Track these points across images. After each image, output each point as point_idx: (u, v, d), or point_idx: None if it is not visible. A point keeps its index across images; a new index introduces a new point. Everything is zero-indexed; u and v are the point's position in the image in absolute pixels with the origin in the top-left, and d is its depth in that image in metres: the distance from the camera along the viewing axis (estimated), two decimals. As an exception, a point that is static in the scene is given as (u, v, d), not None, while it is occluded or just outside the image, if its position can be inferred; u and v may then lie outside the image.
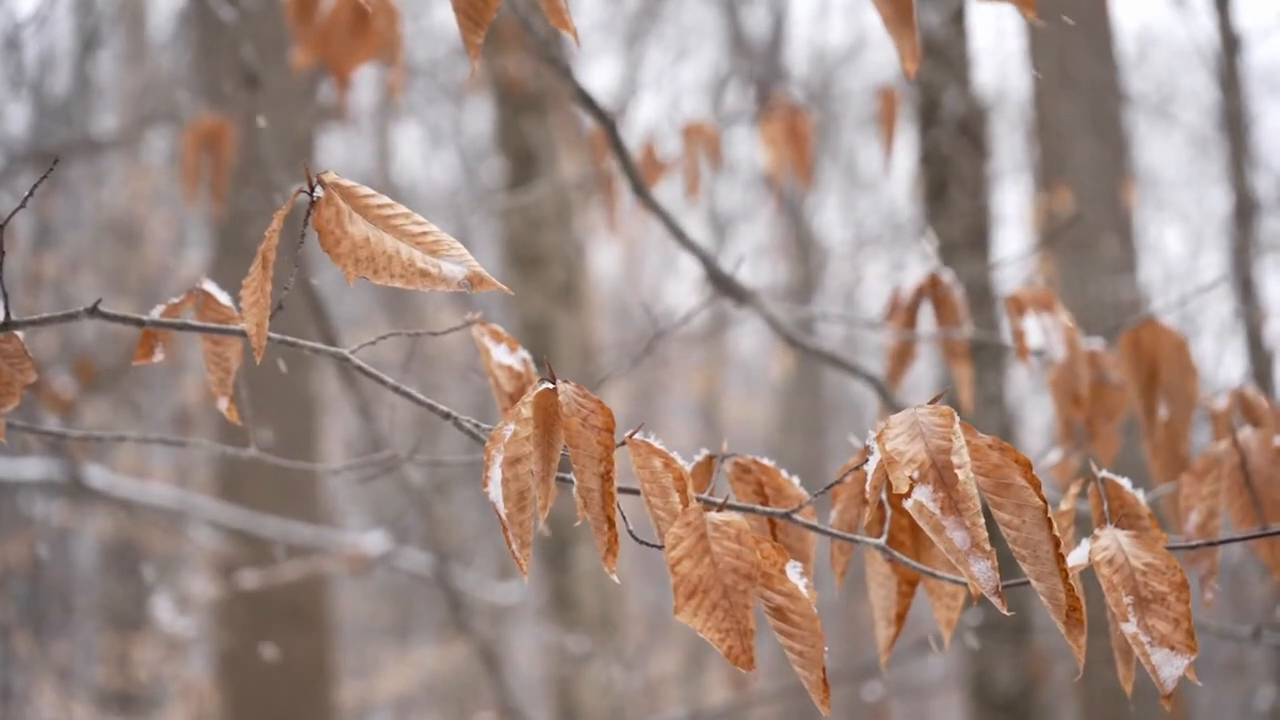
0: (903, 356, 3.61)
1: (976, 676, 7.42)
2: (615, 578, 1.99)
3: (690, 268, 16.03)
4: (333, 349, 2.18)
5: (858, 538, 2.28)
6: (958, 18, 7.73)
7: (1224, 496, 2.80)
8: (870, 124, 16.16)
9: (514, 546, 1.97)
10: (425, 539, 7.03)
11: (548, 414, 2.03)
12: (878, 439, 2.08)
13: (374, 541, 7.31)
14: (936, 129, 7.69)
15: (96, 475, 6.67)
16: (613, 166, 5.02)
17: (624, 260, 17.93)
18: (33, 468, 6.82)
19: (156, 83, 15.19)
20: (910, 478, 2.04)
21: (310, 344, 2.20)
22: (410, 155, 19.28)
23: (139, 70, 15.62)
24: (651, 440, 2.13)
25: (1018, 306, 3.44)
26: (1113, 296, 9.43)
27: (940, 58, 7.69)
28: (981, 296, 7.11)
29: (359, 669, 15.68)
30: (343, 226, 2.06)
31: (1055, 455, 3.57)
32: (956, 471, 2.04)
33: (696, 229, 16.12)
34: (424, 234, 2.08)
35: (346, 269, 2.05)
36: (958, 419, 2.10)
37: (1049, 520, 2.09)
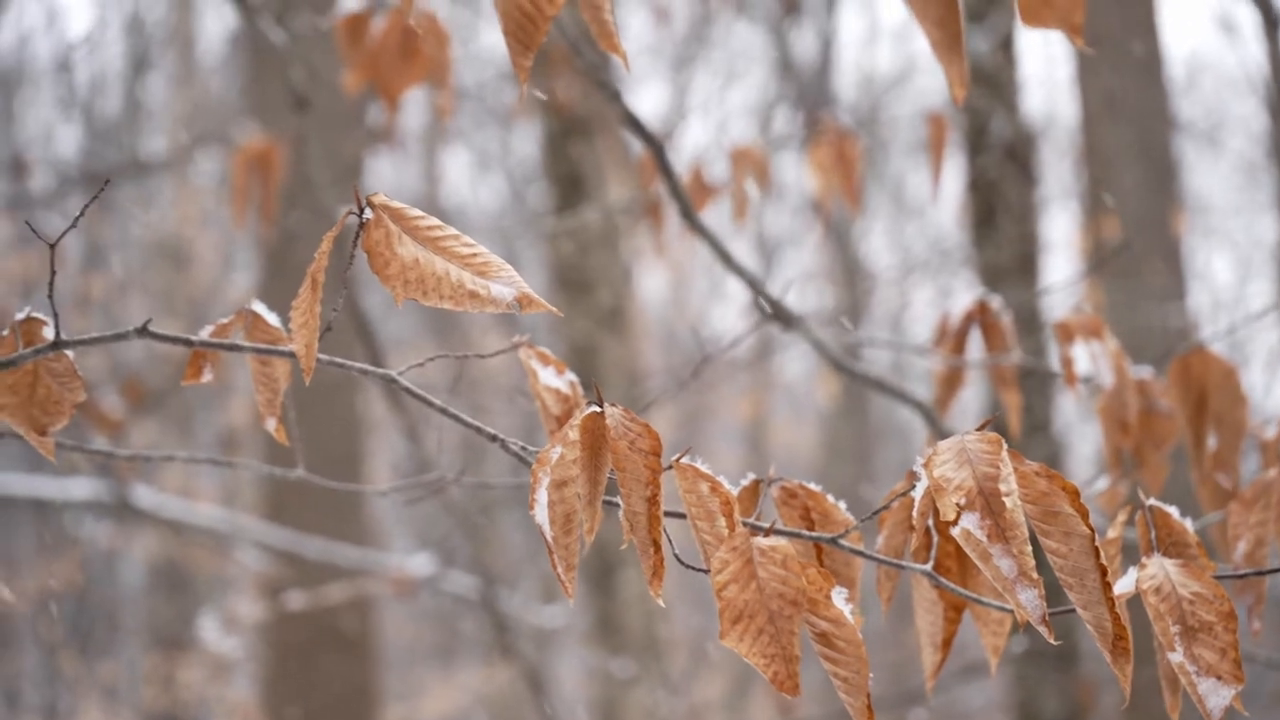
0: (951, 382, 3.60)
1: (1022, 704, 7.39)
2: (661, 601, 1.98)
3: (737, 292, 16.04)
4: (380, 370, 2.18)
5: (904, 563, 2.28)
6: (1006, 44, 7.73)
7: (1273, 526, 2.78)
8: (918, 150, 16.14)
9: (559, 570, 1.97)
10: (471, 562, 7.03)
11: (595, 437, 2.03)
12: (925, 465, 2.08)
13: (420, 564, 7.31)
14: (984, 155, 7.68)
15: (144, 496, 6.70)
16: (660, 190, 5.02)
17: (671, 285, 17.93)
18: (81, 488, 6.85)
19: (206, 105, 15.28)
20: (958, 505, 2.03)
21: (358, 365, 2.20)
22: (459, 179, 19.32)
23: (188, 93, 15.71)
24: (698, 464, 2.13)
25: (1066, 333, 3.43)
26: (1161, 324, 9.38)
27: (988, 84, 7.70)
28: (1029, 323, 7.09)
29: (404, 692, 15.68)
30: (392, 248, 2.06)
31: (1103, 483, 3.55)
32: (1004, 499, 2.03)
33: (744, 254, 16.12)
34: (473, 255, 2.09)
35: (396, 290, 2.06)
36: (1005, 446, 2.09)
37: (1096, 549, 2.08)
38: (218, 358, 2.26)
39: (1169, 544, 2.35)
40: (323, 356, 2.17)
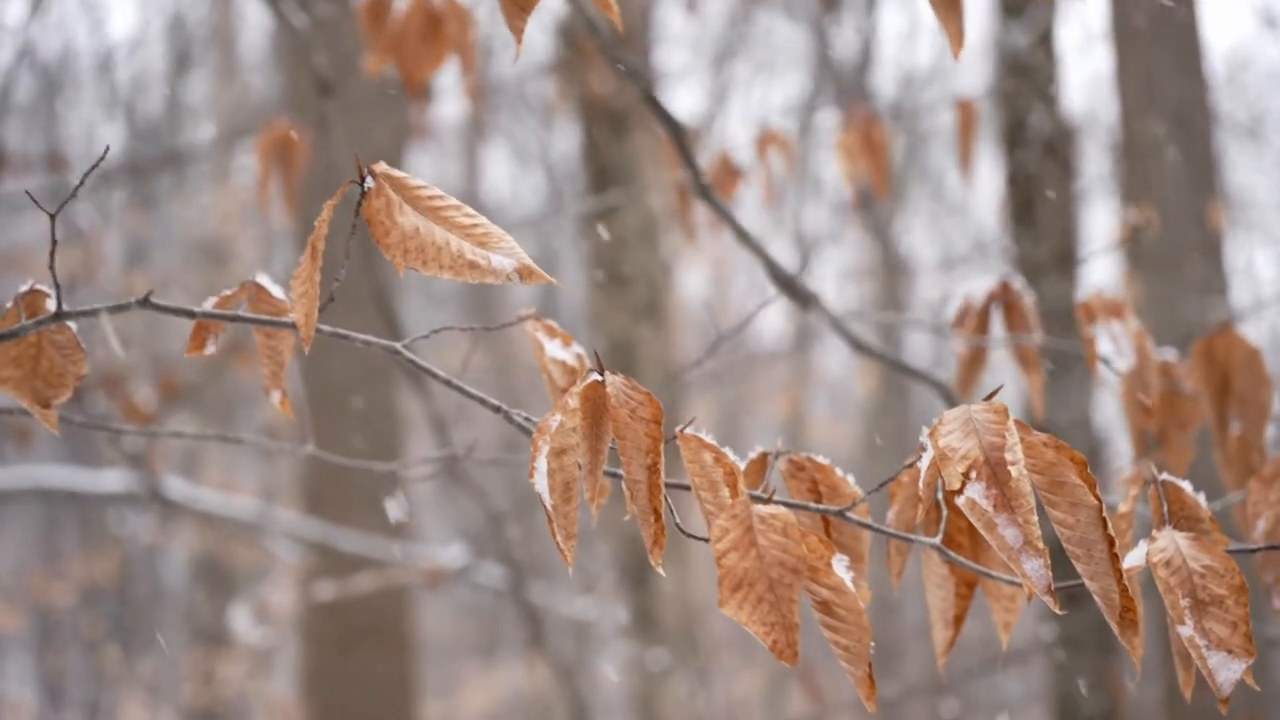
0: (973, 364, 3.57)
1: (1061, 698, 7.35)
2: (660, 570, 1.97)
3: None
4: (383, 341, 2.17)
5: (912, 536, 2.26)
6: (1045, 39, 7.71)
7: (1295, 505, 2.75)
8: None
9: (559, 538, 1.96)
10: (501, 553, 7.03)
11: (596, 406, 2.02)
12: (930, 435, 2.06)
13: (453, 556, 7.31)
14: (1023, 150, 7.68)
15: (176, 487, 6.71)
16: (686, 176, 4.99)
17: (712, 282, 17.92)
18: (113, 480, 6.87)
19: (247, 103, 15.32)
20: (963, 474, 2.01)
21: (361, 336, 2.19)
22: (498, 176, 19.33)
23: (230, 90, 15.76)
24: (703, 435, 2.11)
25: (1088, 314, 3.40)
26: (1200, 318, 9.32)
27: (1027, 78, 7.68)
28: (1067, 318, 7.05)
29: (445, 688, 15.70)
30: (392, 217, 2.06)
31: (1128, 467, 3.52)
32: (1010, 468, 2.01)
33: (782, 251, 16.08)
34: (474, 226, 2.08)
35: (396, 259, 2.05)
36: (1012, 416, 2.07)
37: (1103, 519, 2.06)
38: (221, 328, 2.25)
39: (1182, 519, 2.32)
40: (324, 327, 2.17)
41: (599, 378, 2.01)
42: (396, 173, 2.09)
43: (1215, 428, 3.32)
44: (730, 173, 4.94)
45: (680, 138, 3.42)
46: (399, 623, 10.48)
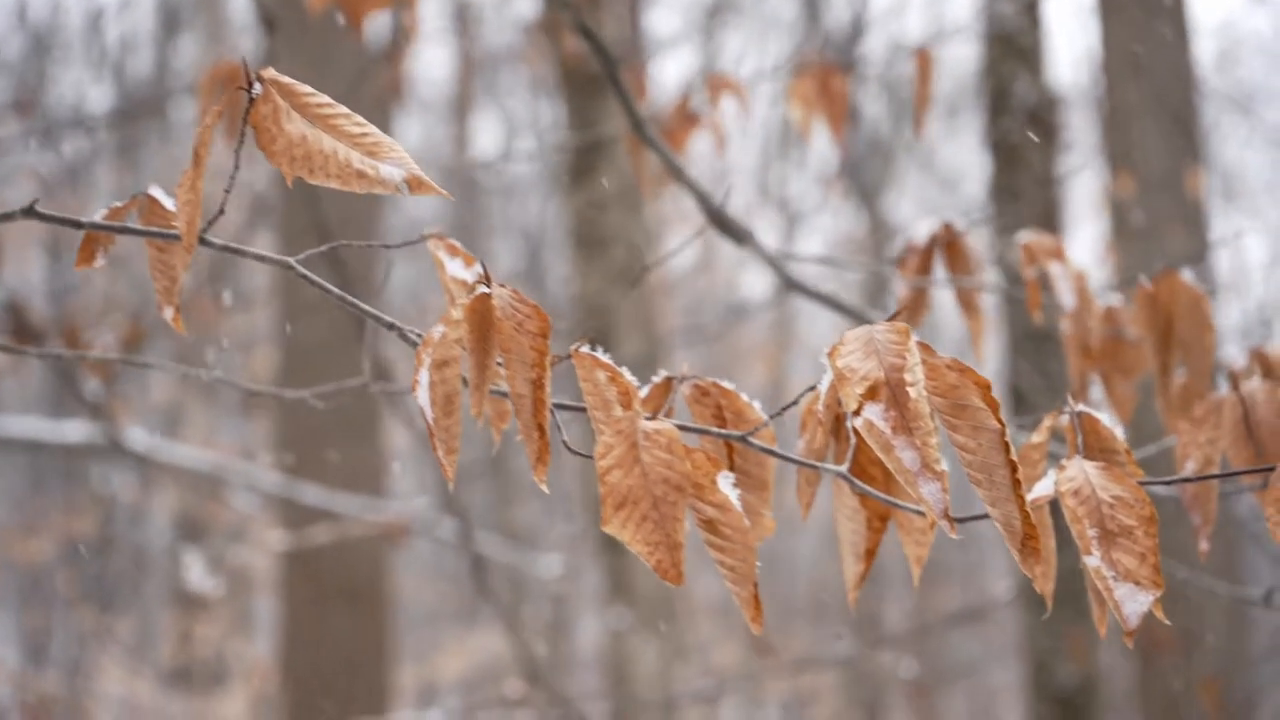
0: (915, 306, 3.51)
1: (1035, 670, 7.32)
2: (544, 488, 1.91)
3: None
4: (276, 256, 2.12)
5: (817, 464, 2.20)
6: (1031, 7, 7.68)
7: (1228, 449, 2.70)
8: (948, 116, 16.03)
9: (440, 453, 1.90)
10: (455, 507, 6.97)
11: (483, 319, 1.96)
12: (830, 355, 2.00)
13: (416, 510, 7.25)
14: (1007, 118, 7.66)
15: (136, 438, 6.65)
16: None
17: (699, 250, 17.85)
18: (75, 431, 6.81)
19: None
20: (860, 396, 1.95)
21: (253, 250, 2.13)
22: (488, 144, 19.26)
23: (218, 52, 15.68)
24: (599, 355, 2.06)
25: (1029, 256, 3.34)
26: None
27: (1012, 47, 7.66)
28: (1050, 285, 6.99)
29: (421, 653, 15.66)
30: (280, 124, 2.00)
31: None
32: (909, 389, 1.95)
33: (768, 228, 16.05)
34: (364, 135, 2.02)
35: (283, 168, 2.00)
36: (914, 336, 2.02)
37: (1006, 444, 2.00)
38: (111, 240, 2.19)
39: (1097, 450, 2.26)
40: (215, 240, 2.11)
41: (486, 290, 1.96)
42: (286, 79, 2.04)
43: (1158, 373, 3.27)
44: (686, 119, 4.86)
45: (614, 75, 3.36)
46: (375, 584, 10.44)
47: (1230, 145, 15.66)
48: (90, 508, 14.19)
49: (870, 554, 2.33)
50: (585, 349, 2.04)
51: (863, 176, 13.61)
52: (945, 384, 2.02)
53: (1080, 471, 2.10)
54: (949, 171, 17.56)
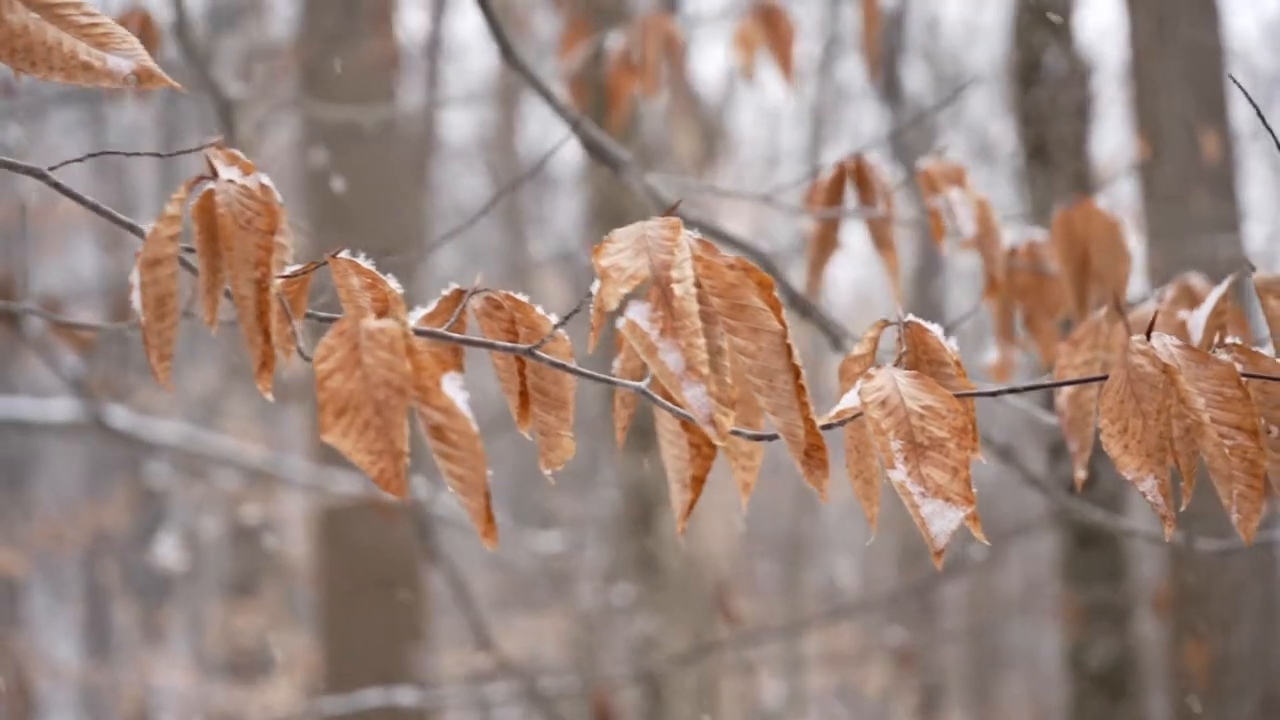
0: (824, 243, 3.32)
1: (1072, 650, 7.20)
2: (269, 396, 1.77)
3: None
4: (28, 165, 1.98)
5: (615, 380, 2.04)
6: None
7: (1100, 366, 2.52)
8: (995, 98, 15.87)
9: (153, 358, 1.76)
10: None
11: (213, 216, 1.82)
12: (595, 254, 1.85)
13: (413, 486, 7.13)
14: (1037, 89, 7.61)
15: (119, 416, 6.56)
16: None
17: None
18: (59, 409, 6.73)
19: (264, 44, 15.25)
20: (623, 294, 1.80)
21: (6, 160, 2.00)
22: (535, 131, 19.13)
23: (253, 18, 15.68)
24: (360, 261, 1.91)
25: (930, 183, 3.15)
26: (1210, 255, 9.07)
27: (1042, 17, 7.61)
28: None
29: (466, 639, 15.57)
30: (0, 14, 1.87)
31: (992, 354, 3.29)
32: (674, 286, 1.80)
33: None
34: (94, 26, 1.89)
35: (4, 61, 1.86)
36: (687, 232, 1.86)
37: (788, 347, 1.85)
38: None
39: (925, 362, 2.09)
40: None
41: (211, 184, 1.81)
42: (9, -33, 1.90)
43: (1075, 306, 3.09)
44: (629, 70, 4.69)
45: (488, 10, 3.21)
46: (409, 574, 10.42)
47: (1271, 118, 15.41)
48: (141, 498, 14.23)
49: (698, 481, 2.14)
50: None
51: (904, 149, 13.40)
52: (723, 283, 1.86)
53: (889, 380, 1.94)
54: (1000, 150, 17.36)
